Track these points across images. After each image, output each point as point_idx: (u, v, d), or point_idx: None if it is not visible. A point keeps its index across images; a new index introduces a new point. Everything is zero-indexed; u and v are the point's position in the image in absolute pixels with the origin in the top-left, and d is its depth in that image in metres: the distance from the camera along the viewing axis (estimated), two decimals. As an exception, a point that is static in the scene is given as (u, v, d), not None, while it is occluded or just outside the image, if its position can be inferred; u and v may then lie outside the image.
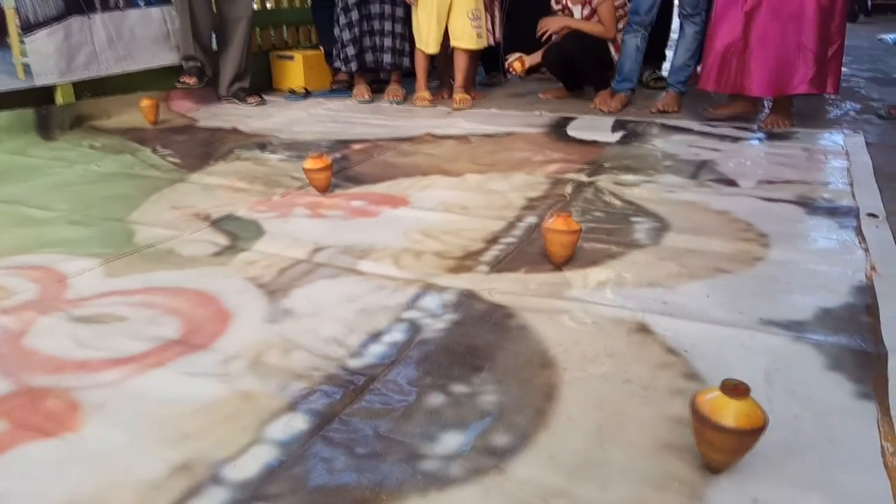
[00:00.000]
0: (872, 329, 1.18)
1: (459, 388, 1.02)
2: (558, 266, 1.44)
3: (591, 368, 1.07)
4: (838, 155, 2.31)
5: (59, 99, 2.94)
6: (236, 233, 1.70)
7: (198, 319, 1.26)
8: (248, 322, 1.25)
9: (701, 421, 0.82)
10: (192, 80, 3.30)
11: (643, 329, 1.19)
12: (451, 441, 0.91)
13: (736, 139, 2.57)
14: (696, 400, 0.84)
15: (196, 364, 1.11)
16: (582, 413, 0.96)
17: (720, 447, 0.81)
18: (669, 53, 4.09)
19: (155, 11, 3.31)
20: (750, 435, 0.80)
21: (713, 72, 2.70)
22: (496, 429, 0.93)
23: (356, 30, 3.38)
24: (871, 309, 1.25)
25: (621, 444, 0.90)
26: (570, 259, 1.46)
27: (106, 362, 1.12)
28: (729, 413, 0.79)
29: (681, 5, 3.02)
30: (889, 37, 5.36)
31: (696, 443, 0.85)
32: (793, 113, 2.75)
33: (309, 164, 1.96)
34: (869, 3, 8.76)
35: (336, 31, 3.42)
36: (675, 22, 3.79)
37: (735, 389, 0.81)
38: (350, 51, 3.41)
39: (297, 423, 0.96)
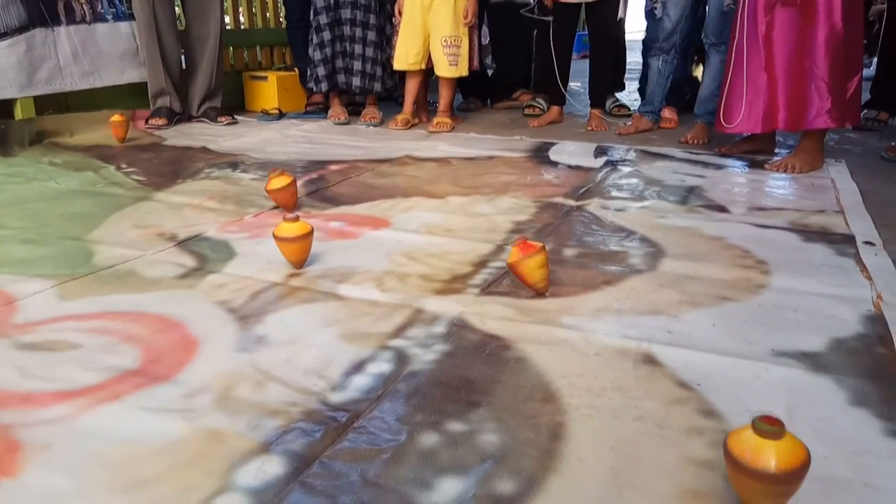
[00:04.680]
0: (890, 361, 1.11)
1: (455, 426, 0.92)
2: (543, 293, 1.35)
3: (599, 404, 0.97)
4: (824, 182, 2.28)
5: (19, 114, 2.80)
6: (205, 254, 1.58)
7: (159, 347, 1.14)
8: (217, 351, 1.13)
9: (744, 471, 0.72)
10: (161, 122, 3.18)
11: (650, 360, 1.10)
12: (449, 488, 0.80)
13: (720, 166, 2.53)
14: (729, 445, 0.75)
15: (156, 398, 0.99)
16: (593, 455, 0.86)
17: (771, 493, 0.72)
18: (628, 82, 4.10)
19: (123, 26, 3.20)
20: (799, 473, 0.72)
21: (736, 111, 2.46)
22: (500, 473, 0.82)
23: (328, 50, 3.31)
24: (886, 340, 1.18)
25: (640, 490, 0.80)
26: (548, 281, 1.36)
27: (53, 395, 0.99)
28: (771, 455, 0.70)
29: (705, 34, 2.97)
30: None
31: (738, 493, 0.76)
32: (821, 158, 2.47)
33: (273, 183, 1.87)
34: None
35: (310, 50, 3.34)
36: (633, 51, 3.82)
37: (771, 427, 0.72)
38: (321, 71, 3.34)
39: (272, 466, 0.84)
